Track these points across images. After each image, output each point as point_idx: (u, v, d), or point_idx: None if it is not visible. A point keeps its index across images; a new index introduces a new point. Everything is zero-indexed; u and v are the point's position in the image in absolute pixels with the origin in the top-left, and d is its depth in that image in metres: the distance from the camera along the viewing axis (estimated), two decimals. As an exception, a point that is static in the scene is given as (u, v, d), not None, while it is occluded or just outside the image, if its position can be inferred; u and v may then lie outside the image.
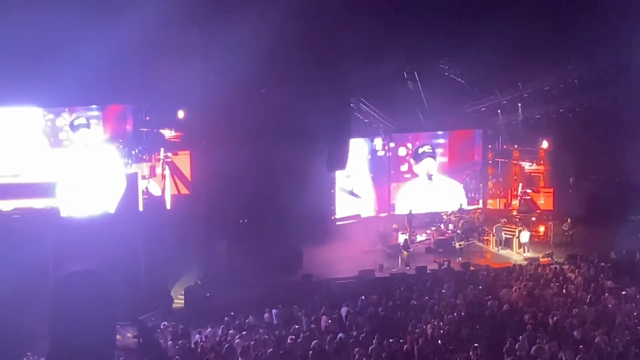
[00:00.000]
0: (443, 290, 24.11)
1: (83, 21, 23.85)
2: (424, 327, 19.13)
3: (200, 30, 27.12)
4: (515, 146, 36.32)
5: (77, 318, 3.27)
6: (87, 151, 27.91)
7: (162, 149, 29.63)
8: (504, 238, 32.15)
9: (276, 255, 28.04)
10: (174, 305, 26.86)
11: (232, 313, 22.78)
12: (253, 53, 24.05)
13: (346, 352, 17.27)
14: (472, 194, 36.80)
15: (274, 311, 22.70)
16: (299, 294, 25.01)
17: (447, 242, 32.08)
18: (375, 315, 21.05)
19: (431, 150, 35.99)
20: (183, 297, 27.43)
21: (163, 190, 29.72)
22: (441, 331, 18.86)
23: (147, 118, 29.58)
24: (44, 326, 3.37)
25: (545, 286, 23.33)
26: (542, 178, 35.83)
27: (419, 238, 33.70)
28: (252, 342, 18.86)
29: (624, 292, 21.88)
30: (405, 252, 30.06)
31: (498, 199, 37.06)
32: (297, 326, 20.75)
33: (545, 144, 35.18)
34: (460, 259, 30.07)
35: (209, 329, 21.47)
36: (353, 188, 35.01)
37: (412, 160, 35.95)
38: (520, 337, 17.17)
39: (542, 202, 35.09)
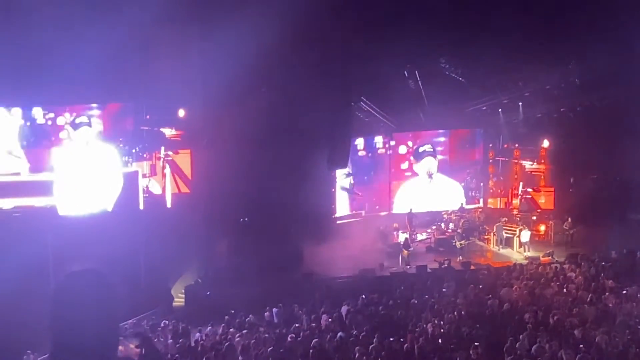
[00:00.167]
0: (443, 289, 24.10)
1: (83, 19, 23.80)
2: (425, 326, 19.10)
3: (201, 28, 27.10)
4: (516, 145, 36.36)
5: (78, 318, 3.26)
6: (87, 149, 27.87)
7: (162, 148, 29.61)
8: (504, 237, 32.17)
9: (276, 254, 28.07)
10: (174, 304, 26.90)
11: (233, 311, 22.79)
12: (253, 52, 24.04)
13: (346, 351, 17.24)
14: (473, 193, 36.84)
15: (274, 310, 22.71)
16: (299, 293, 25.02)
17: (448, 241, 32.13)
18: (375, 314, 21.03)
19: (432, 149, 35.99)
20: (183, 295, 27.45)
21: (163, 189, 29.72)
22: (441, 330, 18.83)
23: (148, 116, 29.54)
24: (44, 326, 3.36)
25: (546, 285, 23.30)
26: (542, 177, 35.85)
27: (420, 237, 33.77)
28: (252, 341, 18.85)
29: (624, 292, 21.85)
30: (406, 251, 30.08)
31: (499, 198, 37.08)
32: (297, 325, 20.73)
33: (546, 143, 35.20)
34: (460, 258, 30.09)
35: (209, 328, 21.47)
36: (353, 186, 35.03)
37: (412, 159, 35.95)
38: (521, 336, 17.15)
39: (543, 201, 35.09)
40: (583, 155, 33.01)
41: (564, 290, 22.64)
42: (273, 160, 28.73)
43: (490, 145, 37.36)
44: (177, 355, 18.59)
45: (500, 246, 32.07)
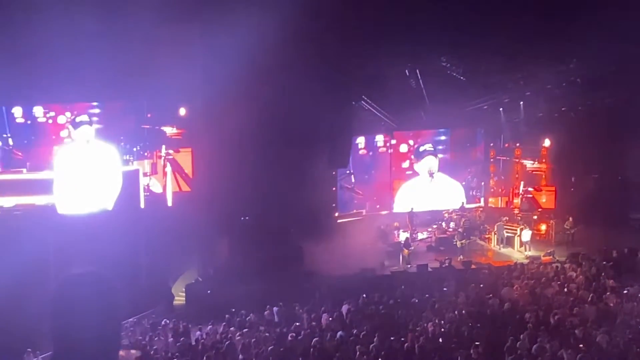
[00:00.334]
0: (444, 289, 24.11)
1: (84, 18, 23.79)
2: (425, 325, 19.11)
3: (202, 27, 27.10)
4: (517, 144, 36.35)
5: (80, 321, 3.25)
6: (87, 148, 27.87)
7: (163, 146, 29.60)
8: (505, 236, 32.16)
9: (277, 252, 28.10)
10: (175, 303, 26.90)
11: (233, 310, 22.80)
12: (254, 50, 24.03)
13: (347, 350, 17.24)
14: (474, 192, 36.80)
15: (274, 309, 22.71)
16: (299, 292, 25.02)
17: (449, 241, 32.12)
18: (376, 313, 21.04)
19: (432, 148, 35.95)
20: (184, 294, 27.45)
21: (164, 188, 29.70)
22: (442, 329, 18.84)
23: (149, 115, 29.54)
24: (45, 327, 3.35)
25: (547, 285, 23.31)
26: (543, 176, 35.81)
27: (420, 236, 33.76)
28: (252, 340, 18.86)
29: (625, 291, 21.86)
30: (407, 250, 30.08)
31: (499, 197, 37.05)
32: (297, 324, 20.73)
33: (547, 142, 35.16)
34: (461, 257, 30.08)
35: (210, 326, 21.48)
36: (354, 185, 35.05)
37: (413, 158, 35.92)
38: (521, 335, 17.15)
39: (544, 200, 35.05)
40: (584, 155, 33.00)
41: (565, 289, 22.65)
42: (274, 159, 28.71)
43: (492, 144, 37.34)
44: (177, 354, 18.60)
45: (501, 245, 32.06)
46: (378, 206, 35.72)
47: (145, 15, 23.49)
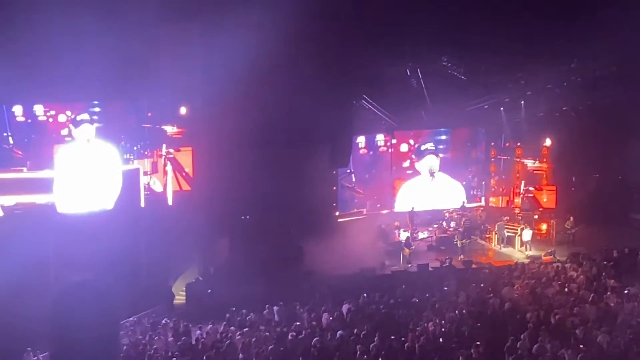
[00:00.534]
0: (445, 288, 24.09)
1: (84, 17, 23.77)
2: (426, 325, 19.10)
3: (203, 26, 27.08)
4: (518, 144, 36.32)
5: (79, 329, 3.23)
6: (88, 147, 27.85)
7: (164, 145, 29.58)
8: (506, 236, 32.13)
9: (277, 252, 28.10)
10: (175, 302, 26.88)
11: (234, 309, 22.78)
12: (255, 49, 24.01)
13: (347, 350, 17.23)
14: (474, 192, 36.79)
15: (275, 308, 22.69)
16: (300, 291, 25.01)
17: (449, 240, 32.09)
18: (376, 312, 21.02)
19: (433, 148, 35.93)
20: (184, 293, 27.44)
21: (165, 187, 29.69)
22: (443, 329, 18.83)
23: (149, 114, 29.52)
24: (45, 331, 3.33)
25: (548, 285, 23.29)
26: (544, 176, 35.80)
27: (421, 235, 33.74)
28: (253, 339, 18.84)
29: (626, 291, 21.83)
30: (407, 250, 30.07)
31: (500, 197, 37.03)
32: (298, 323, 20.71)
33: (548, 142, 35.15)
34: (462, 256, 30.06)
35: (210, 326, 21.46)
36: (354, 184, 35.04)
37: (414, 157, 35.91)
38: (522, 335, 17.13)
39: (545, 200, 35.03)
40: (585, 154, 32.98)
41: (566, 289, 22.62)
42: (274, 158, 28.71)
43: (492, 143, 37.32)
44: (177, 353, 18.58)
45: (502, 245, 32.03)
46: (378, 205, 35.70)
47: (146, 14, 23.51)
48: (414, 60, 32.17)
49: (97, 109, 28.77)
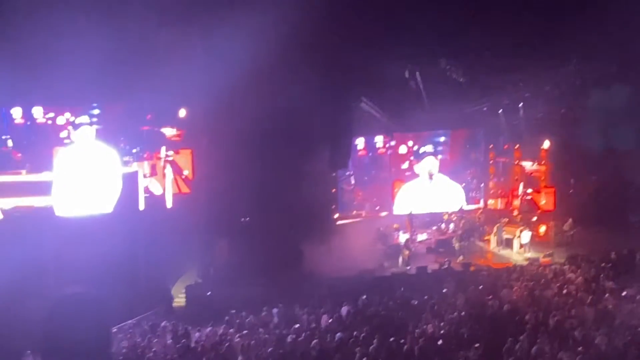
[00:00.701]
0: (444, 290, 24.09)
1: (83, 19, 23.82)
2: (425, 326, 19.10)
3: (202, 28, 27.10)
4: (517, 146, 36.35)
5: (72, 341, 3.25)
6: (87, 149, 27.87)
7: (163, 148, 29.61)
8: (504, 238, 32.15)
9: (277, 254, 28.07)
10: (174, 304, 26.88)
11: (233, 311, 22.78)
12: (254, 52, 24.04)
13: (347, 352, 17.23)
14: (473, 194, 36.81)
15: (274, 310, 22.68)
16: (299, 293, 25.00)
17: (448, 242, 32.12)
18: (375, 314, 21.01)
19: (432, 150, 35.97)
20: (184, 295, 27.44)
21: (164, 189, 29.70)
22: (442, 331, 18.82)
23: (149, 116, 29.54)
24: (39, 343, 3.36)
25: (546, 286, 23.30)
26: (543, 178, 35.86)
27: (420, 238, 33.76)
28: (252, 342, 18.84)
29: (624, 293, 21.84)
30: (406, 252, 30.08)
31: (499, 199, 37.06)
32: (297, 325, 20.71)
33: (546, 144, 35.18)
34: (461, 258, 30.07)
35: (210, 328, 21.46)
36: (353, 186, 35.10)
37: (413, 159, 35.95)
38: (521, 337, 17.14)
39: (543, 202, 35.09)
40: (583, 156, 32.99)
41: (564, 291, 22.62)
42: (273, 160, 28.71)
43: (491, 145, 37.35)
44: (176, 355, 18.58)
45: (501, 247, 32.07)
46: (377, 207, 35.74)
47: (145, 17, 23.54)
48: (413, 63, 32.21)
49: (96, 112, 28.79)
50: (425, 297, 22.94)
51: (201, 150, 29.71)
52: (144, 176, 28.94)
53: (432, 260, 30.10)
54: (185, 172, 30.14)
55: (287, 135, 28.57)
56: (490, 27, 26.86)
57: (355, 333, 18.64)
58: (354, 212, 35.32)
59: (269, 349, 17.70)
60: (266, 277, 26.15)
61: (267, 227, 29.04)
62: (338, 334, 18.66)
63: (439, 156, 36.18)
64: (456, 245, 31.18)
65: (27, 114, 28.58)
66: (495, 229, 32.45)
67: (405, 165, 36.11)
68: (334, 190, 34.05)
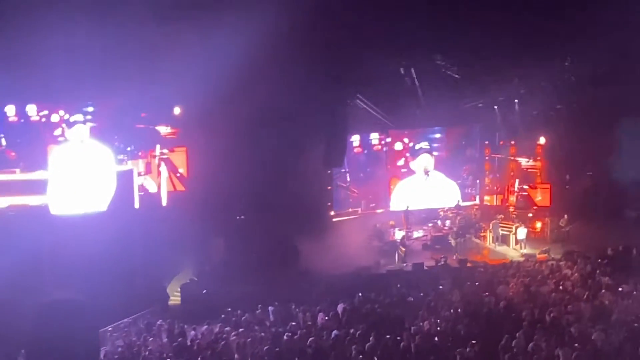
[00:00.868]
0: (440, 287, 24.07)
1: (78, 17, 23.70)
2: (421, 324, 19.05)
3: (196, 25, 27.00)
4: (512, 142, 36.37)
5: (57, 347, 3.20)
6: (81, 147, 27.78)
7: (157, 146, 29.53)
8: (500, 234, 32.13)
9: (272, 251, 28.05)
10: (170, 303, 26.81)
11: (229, 310, 22.72)
12: (249, 49, 23.97)
13: (343, 350, 17.18)
14: (469, 190, 36.83)
15: (270, 308, 22.63)
16: (295, 291, 24.95)
17: (444, 239, 32.08)
18: (372, 312, 20.96)
19: (428, 146, 35.99)
20: (179, 294, 27.37)
21: (159, 187, 29.63)
22: (438, 328, 18.79)
23: (143, 114, 29.44)
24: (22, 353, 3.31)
25: (542, 283, 23.28)
26: (539, 174, 35.89)
27: (416, 234, 33.72)
28: (248, 340, 18.78)
29: (620, 289, 21.82)
30: (402, 249, 30.04)
31: (495, 195, 37.10)
32: (293, 323, 20.66)
33: (542, 140, 35.20)
34: (457, 255, 30.04)
35: (205, 326, 21.40)
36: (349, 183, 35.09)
37: (408, 156, 35.95)
38: (517, 334, 17.10)
39: (539, 198, 35.12)
40: (579, 152, 33.00)
41: (560, 287, 22.60)
42: (269, 158, 28.68)
43: (487, 142, 37.37)
44: (172, 354, 18.52)
45: (497, 243, 32.04)
46: (373, 205, 35.72)
47: (140, 14, 23.43)
48: (408, 59, 32.15)
49: (90, 109, 28.65)
50: (422, 294, 22.92)
51: (196, 148, 29.63)
52: (139, 174, 28.88)
53: (428, 257, 30.09)
54: (180, 170, 30.06)
55: (282, 133, 28.55)
56: (485, 23, 26.80)
57: (351, 330, 18.60)
58: (350, 209, 35.30)
59: (265, 347, 17.62)
60: (262, 275, 26.12)
61: (262, 225, 29.00)
62: (334, 332, 18.62)
63: (435, 153, 36.19)
64: (452, 241, 31.16)
65: (20, 112, 28.41)
66: (491, 226, 32.42)
67: (401, 162, 36.12)
68: (329, 187, 34.01)
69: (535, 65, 30.90)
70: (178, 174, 30.04)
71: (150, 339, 20.15)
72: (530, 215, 33.88)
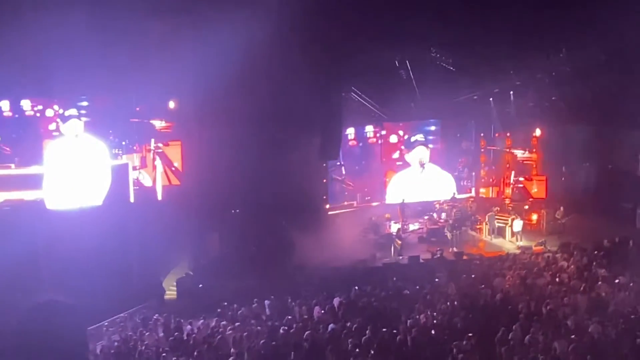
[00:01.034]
0: (436, 280, 24.07)
1: (72, 11, 23.60)
2: (417, 317, 19.05)
3: (191, 19, 26.92)
4: (508, 134, 36.35)
5: (44, 350, 3.16)
6: (76, 142, 27.70)
7: (152, 140, 29.46)
8: (496, 227, 32.13)
9: (268, 245, 28.02)
10: (166, 297, 26.78)
11: (225, 304, 22.69)
12: (244, 42, 23.90)
13: (339, 343, 17.17)
14: (465, 183, 36.82)
15: (266, 302, 22.61)
16: (291, 285, 24.94)
17: (440, 231, 32.07)
18: (368, 305, 20.96)
19: (423, 139, 35.96)
20: (175, 288, 27.35)
21: (154, 181, 29.57)
22: (434, 321, 18.78)
23: (138, 108, 29.36)
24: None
25: (539, 275, 23.28)
26: (534, 166, 35.89)
27: (412, 227, 33.73)
28: (244, 334, 18.77)
29: (617, 281, 21.83)
30: (398, 242, 30.02)
31: (490, 188, 37.09)
32: (289, 317, 20.65)
33: (537, 132, 35.20)
34: (453, 248, 30.04)
35: (201, 320, 21.39)
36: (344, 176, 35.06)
37: (404, 148, 35.94)
38: (514, 326, 17.10)
39: (535, 190, 35.11)
40: (575, 144, 33.00)
41: (557, 279, 22.61)
42: (264, 151, 28.61)
43: (482, 134, 37.37)
44: (168, 349, 18.49)
45: (493, 236, 32.03)
46: (368, 198, 35.70)
47: (135, 7, 23.33)
48: (403, 52, 32.11)
49: (84, 104, 28.55)
50: (418, 287, 22.92)
51: (191, 141, 29.57)
52: (134, 168, 28.81)
53: (424, 250, 30.06)
54: (175, 164, 29.99)
55: (277, 126, 28.47)
56: (480, 15, 26.76)
57: (347, 324, 18.59)
58: (345, 202, 35.26)
59: (262, 341, 17.62)
60: (258, 268, 26.10)
61: (258, 218, 28.96)
62: (330, 325, 18.62)
63: (430, 145, 36.17)
64: (448, 234, 31.16)
65: (15, 107, 28.31)
66: (487, 218, 32.41)
67: (396, 155, 36.10)
68: (324, 180, 33.97)
69: (530, 56, 30.90)
70: (173, 168, 29.97)
71: (147, 334, 20.14)
72: (526, 207, 33.87)
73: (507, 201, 35.03)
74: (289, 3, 23.78)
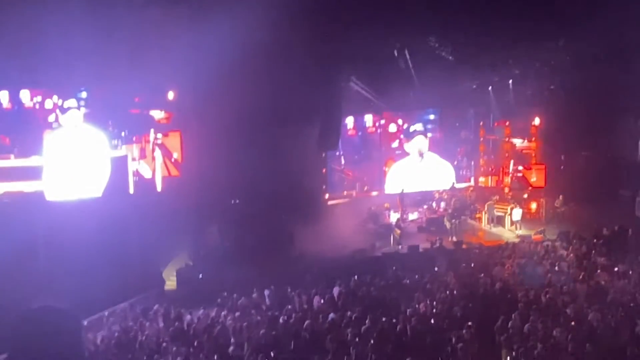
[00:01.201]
0: (435, 269, 24.11)
1: (71, 1, 23.57)
2: (417, 306, 19.10)
3: (190, 9, 26.88)
4: (507, 123, 36.32)
5: (39, 356, 3.15)
6: (75, 133, 27.69)
7: (152, 130, 29.43)
8: (496, 216, 32.17)
9: (268, 235, 28.02)
10: (165, 287, 26.82)
11: (225, 294, 22.72)
12: (243, 33, 23.84)
13: (339, 333, 17.20)
14: (464, 172, 36.82)
15: (266, 292, 22.64)
16: (290, 275, 24.96)
17: (439, 221, 32.10)
18: (367, 295, 21.00)
19: (422, 128, 35.93)
20: (175, 279, 27.37)
21: (153, 172, 29.55)
22: (434, 310, 18.83)
23: (137, 99, 29.33)
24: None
25: (538, 264, 23.33)
26: (533, 155, 35.90)
27: (411, 217, 33.75)
28: (244, 324, 18.81)
29: (616, 269, 21.88)
30: (398, 231, 30.05)
31: (490, 177, 37.06)
32: (289, 307, 20.69)
33: (537, 121, 35.19)
34: (453, 237, 30.07)
35: (202, 311, 21.42)
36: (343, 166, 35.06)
37: (403, 137, 35.90)
38: (513, 315, 17.15)
39: (534, 179, 35.12)
40: (574, 133, 32.99)
41: (556, 268, 22.66)
42: (263, 141, 28.60)
43: (481, 123, 37.33)
44: (168, 339, 18.53)
45: (492, 225, 32.08)
46: (367, 187, 35.69)
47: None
48: (402, 41, 32.04)
49: (84, 95, 28.52)
50: (417, 277, 22.95)
51: (190, 132, 29.53)
52: (133, 159, 28.79)
53: (424, 239, 30.07)
54: (175, 155, 29.96)
55: (276, 116, 28.46)
56: (479, 4, 26.71)
57: (347, 313, 18.63)
58: (345, 192, 35.26)
59: (262, 331, 17.66)
60: (257, 258, 26.10)
61: (257, 208, 28.96)
62: (330, 315, 18.65)
63: (429, 134, 36.14)
64: (447, 223, 31.19)
65: (14, 98, 28.27)
66: (486, 207, 32.46)
67: (395, 144, 36.06)
68: (323, 170, 33.97)
69: (529, 45, 30.85)
70: (172, 159, 29.94)
71: (147, 324, 20.16)
72: (526, 196, 33.90)
73: (507, 190, 35.03)
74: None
